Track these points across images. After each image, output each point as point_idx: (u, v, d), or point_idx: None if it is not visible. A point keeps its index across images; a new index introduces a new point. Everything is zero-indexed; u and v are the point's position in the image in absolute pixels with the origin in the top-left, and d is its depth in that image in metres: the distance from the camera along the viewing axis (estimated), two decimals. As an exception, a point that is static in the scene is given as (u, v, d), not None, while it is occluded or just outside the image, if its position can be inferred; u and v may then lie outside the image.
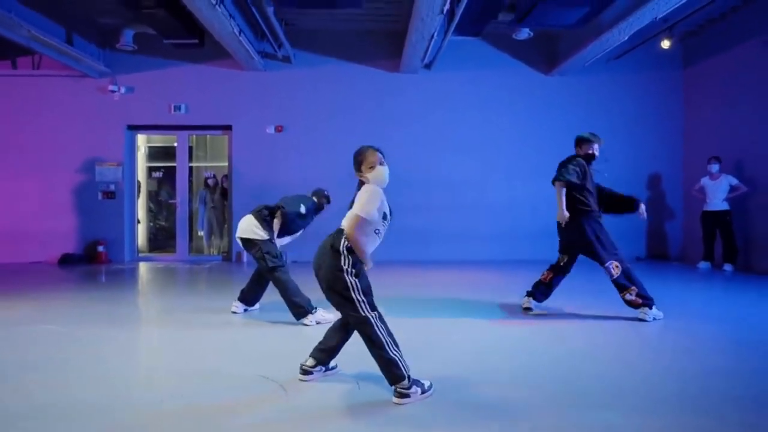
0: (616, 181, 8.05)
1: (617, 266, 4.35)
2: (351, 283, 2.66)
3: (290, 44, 8.27)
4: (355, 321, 2.71)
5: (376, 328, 2.66)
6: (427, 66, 8.61)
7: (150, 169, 10.60)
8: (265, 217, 4.46)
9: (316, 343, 3.01)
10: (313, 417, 2.50)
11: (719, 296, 5.91)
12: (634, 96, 8.97)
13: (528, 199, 8.71)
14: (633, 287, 4.35)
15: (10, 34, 6.67)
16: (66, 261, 8.41)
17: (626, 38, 7.07)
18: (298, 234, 4.78)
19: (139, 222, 9.39)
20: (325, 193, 4.75)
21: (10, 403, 2.65)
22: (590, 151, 4.58)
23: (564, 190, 4.46)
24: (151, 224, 10.72)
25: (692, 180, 8.29)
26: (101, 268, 8.00)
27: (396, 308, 4.54)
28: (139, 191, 9.44)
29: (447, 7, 6.01)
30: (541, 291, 4.76)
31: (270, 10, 6.88)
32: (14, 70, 8.47)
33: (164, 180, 10.74)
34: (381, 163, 2.80)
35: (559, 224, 4.61)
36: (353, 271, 2.69)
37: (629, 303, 4.40)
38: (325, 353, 2.96)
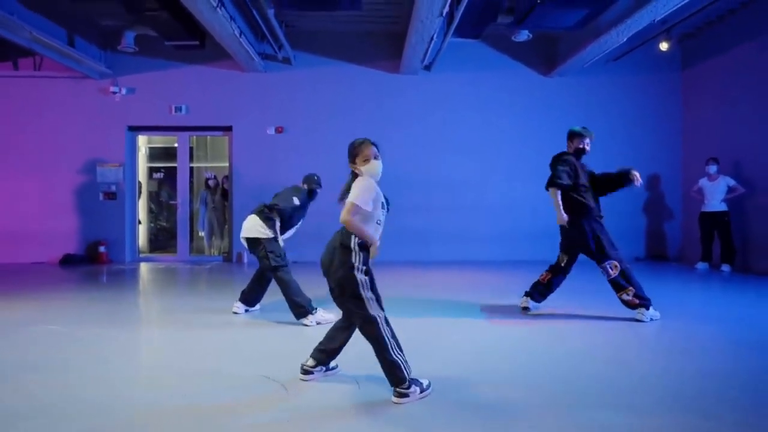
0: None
1: (615, 266, 4.38)
2: (361, 280, 2.70)
3: (290, 46, 8.30)
4: (362, 320, 2.72)
5: (381, 328, 2.69)
6: (427, 67, 8.65)
7: (151, 170, 10.64)
8: (268, 215, 4.49)
9: (316, 344, 3.05)
10: (314, 416, 2.53)
11: (717, 297, 5.94)
12: (632, 97, 9.01)
13: (527, 200, 8.75)
14: (630, 288, 4.38)
15: (11, 36, 6.70)
16: (67, 261, 8.44)
17: (625, 40, 7.10)
18: (299, 225, 4.80)
19: (140, 222, 9.43)
20: (316, 178, 4.77)
21: (11, 403, 2.66)
22: (581, 146, 4.60)
23: (559, 193, 4.50)
24: (152, 225, 10.76)
25: (691, 181, 8.33)
26: (102, 268, 8.03)
27: (396, 308, 4.55)
28: (140, 192, 9.47)
29: (446, 9, 6.04)
30: (539, 291, 4.79)
31: (270, 12, 6.91)
32: (16, 72, 8.50)
33: (165, 181, 10.77)
34: (375, 157, 2.83)
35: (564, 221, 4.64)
36: (364, 268, 2.73)
37: (626, 303, 4.43)
38: (326, 354, 2.99)
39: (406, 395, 2.65)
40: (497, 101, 8.95)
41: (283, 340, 3.94)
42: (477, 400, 2.71)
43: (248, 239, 4.51)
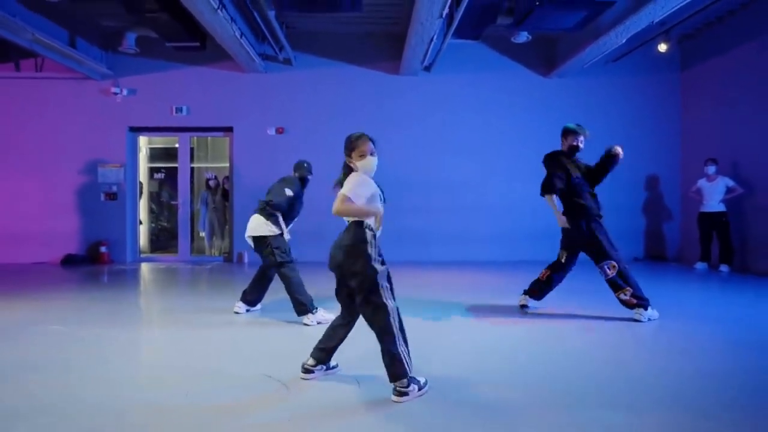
0: (614, 182, 8.20)
1: (613, 266, 4.40)
2: (378, 269, 2.73)
3: (291, 47, 8.33)
4: (374, 307, 2.73)
5: (391, 318, 2.72)
6: (427, 68, 8.68)
7: (151, 171, 10.67)
8: (270, 212, 4.51)
9: (317, 343, 3.08)
10: (315, 415, 2.56)
11: (716, 297, 5.97)
12: (632, 98, 9.04)
13: (527, 201, 8.74)
14: (628, 288, 4.40)
15: (13, 37, 6.73)
16: (69, 261, 8.47)
17: (624, 41, 7.13)
18: (299, 214, 4.80)
19: (141, 223, 9.46)
20: (306, 165, 4.77)
21: (12, 403, 2.67)
22: (575, 143, 4.60)
23: (555, 197, 4.54)
24: (153, 225, 10.79)
25: (690, 182, 8.36)
26: (104, 268, 8.06)
27: (396, 309, 4.59)
28: (140, 192, 9.51)
29: (446, 11, 6.07)
30: (538, 289, 4.82)
31: (271, 14, 6.95)
32: (17, 73, 8.53)
33: (166, 181, 10.80)
34: (372, 153, 2.86)
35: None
36: (380, 258, 2.78)
37: (624, 303, 4.46)
38: (325, 352, 3.02)
39: (405, 393, 2.68)
40: (497, 102, 8.98)
41: (284, 340, 3.97)
42: (476, 399, 2.74)
43: (254, 238, 4.52)
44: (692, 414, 2.56)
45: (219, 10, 6.02)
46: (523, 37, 7.57)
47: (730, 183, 7.50)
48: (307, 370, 3.01)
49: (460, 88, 8.94)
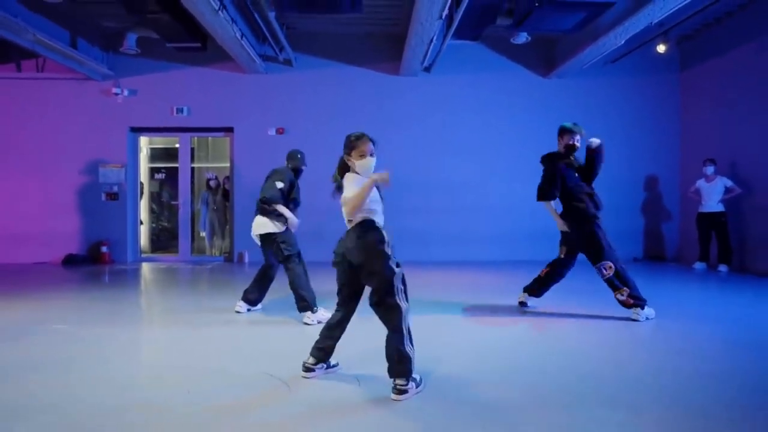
0: (614, 183, 8.25)
1: (610, 267, 4.43)
2: (394, 269, 2.78)
3: (291, 47, 8.36)
4: (387, 307, 2.78)
5: (403, 318, 2.78)
6: (427, 69, 8.70)
7: (152, 171, 10.69)
8: (270, 210, 4.52)
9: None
10: (316, 413, 2.58)
11: (714, 297, 5.99)
12: (631, 99, 9.06)
13: (527, 201, 8.73)
14: (625, 288, 4.43)
15: (15, 38, 6.76)
16: (70, 261, 8.50)
17: (623, 42, 7.15)
18: (300, 203, 4.77)
19: (141, 223, 9.49)
20: (299, 156, 4.74)
21: (13, 403, 2.68)
22: (571, 142, 4.62)
23: (552, 203, 4.59)
24: (154, 225, 10.82)
25: (689, 182, 8.38)
26: (104, 268, 8.09)
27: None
28: (141, 192, 9.53)
29: (446, 11, 6.10)
30: (537, 286, 4.85)
31: (271, 15, 6.98)
32: (19, 73, 8.56)
33: (166, 181, 10.83)
34: (371, 154, 2.90)
35: (562, 219, 4.69)
36: (396, 261, 2.83)
37: (621, 303, 4.49)
38: (324, 351, 3.05)
39: (405, 391, 2.71)
40: (496, 103, 9.01)
41: (284, 339, 3.99)
42: (476, 398, 2.76)
43: (261, 235, 4.54)
44: (691, 413, 2.57)
45: (220, 11, 6.05)
46: (522, 38, 7.59)
47: (729, 183, 7.53)
48: (307, 369, 3.03)
49: (459, 88, 8.97)
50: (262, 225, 4.51)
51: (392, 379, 2.75)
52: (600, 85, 9.02)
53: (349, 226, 2.93)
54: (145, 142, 9.85)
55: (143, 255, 9.40)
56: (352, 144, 2.90)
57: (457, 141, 8.97)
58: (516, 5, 6.45)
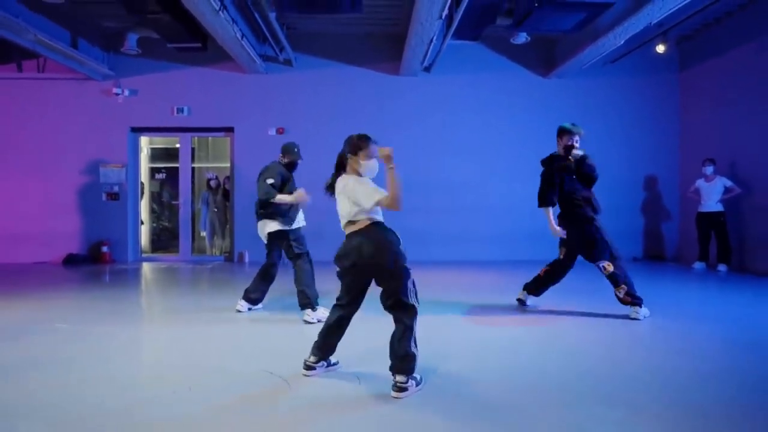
0: (613, 183, 8.26)
1: (608, 266, 4.46)
2: (408, 270, 2.84)
3: (291, 48, 8.38)
4: (402, 307, 2.83)
5: (415, 318, 2.84)
6: (427, 69, 8.72)
7: (153, 171, 10.71)
8: (269, 212, 4.53)
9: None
10: (316, 411, 2.60)
11: (714, 296, 6.00)
12: (630, 99, 9.08)
13: (527, 201, 8.73)
14: (623, 285, 4.46)
15: (16, 38, 6.77)
16: (70, 261, 8.51)
17: (622, 42, 7.17)
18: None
19: (142, 223, 9.50)
20: (296, 150, 4.70)
21: (13, 402, 2.69)
22: (570, 143, 4.62)
23: (551, 209, 4.62)
24: (154, 225, 10.83)
25: (688, 182, 8.39)
26: (105, 268, 8.10)
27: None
28: (142, 192, 9.55)
29: (446, 12, 6.11)
30: (536, 285, 4.86)
31: (272, 15, 6.99)
32: (19, 73, 8.58)
33: (167, 181, 10.84)
34: (376, 157, 2.96)
35: (560, 220, 4.71)
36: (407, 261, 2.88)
37: (619, 300, 4.52)
38: (323, 351, 3.07)
39: (405, 389, 2.73)
40: (496, 103, 9.02)
41: (285, 337, 4.01)
42: (475, 396, 2.78)
43: (271, 234, 4.54)
44: (690, 412, 2.58)
45: (220, 12, 6.06)
46: (522, 38, 7.61)
47: (728, 183, 7.54)
48: (308, 367, 3.05)
49: (459, 88, 8.99)
50: (268, 226, 4.53)
51: (393, 377, 2.76)
52: (600, 85, 9.03)
53: (348, 230, 2.92)
54: (145, 142, 9.86)
55: (144, 255, 9.41)
56: (360, 145, 2.94)
57: (457, 141, 8.98)
58: (516, 5, 6.46)
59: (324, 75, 8.88)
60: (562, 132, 4.67)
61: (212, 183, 9.86)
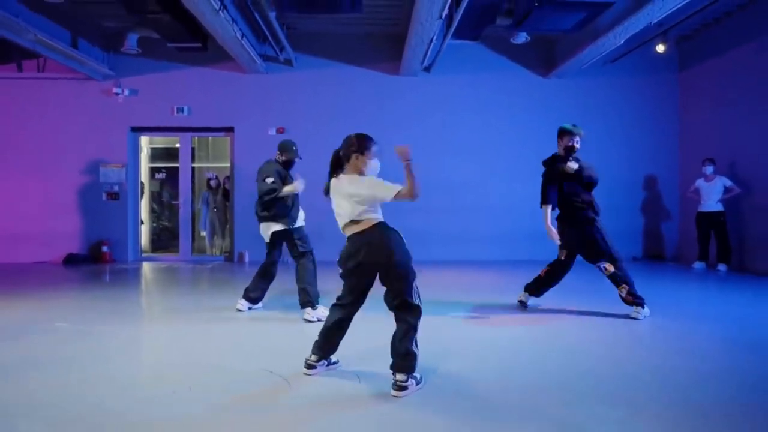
0: (613, 182, 8.26)
1: (609, 267, 4.46)
2: (414, 271, 2.89)
3: (292, 47, 8.38)
4: (408, 307, 2.85)
5: (419, 319, 2.86)
6: (427, 69, 8.72)
7: (153, 170, 10.71)
8: (272, 214, 4.54)
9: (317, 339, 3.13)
10: (316, 409, 2.60)
11: (714, 296, 6.01)
12: (630, 99, 9.08)
13: (527, 201, 8.75)
14: (624, 285, 4.46)
15: (16, 38, 6.77)
16: (70, 261, 8.51)
17: (622, 42, 7.17)
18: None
19: (142, 222, 9.50)
20: (294, 148, 4.70)
21: (13, 401, 2.69)
22: (570, 144, 4.60)
23: (549, 208, 4.60)
24: (154, 225, 10.83)
25: (688, 182, 8.40)
26: (105, 267, 8.10)
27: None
28: (142, 192, 9.55)
29: (446, 12, 6.11)
30: (537, 286, 4.86)
31: (272, 15, 6.99)
32: (20, 73, 8.58)
33: (167, 181, 10.84)
34: (378, 155, 3.04)
35: (559, 221, 4.71)
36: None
37: (623, 299, 4.53)
38: (323, 350, 3.07)
39: (405, 388, 2.73)
40: (496, 103, 9.03)
41: (285, 336, 4.01)
42: (475, 395, 2.78)
43: (275, 233, 4.55)
44: (690, 412, 2.58)
45: (220, 11, 6.06)
46: (522, 37, 7.61)
47: (728, 183, 7.54)
48: (309, 366, 3.05)
49: (459, 88, 8.99)
50: (273, 226, 4.53)
51: (393, 376, 2.77)
52: (599, 85, 9.03)
53: (351, 230, 2.90)
54: (145, 142, 9.86)
55: (144, 254, 9.41)
56: (367, 144, 2.98)
57: (457, 141, 8.98)
58: (515, 5, 6.46)
59: (324, 75, 8.89)
60: (563, 133, 4.66)
61: (212, 183, 9.86)
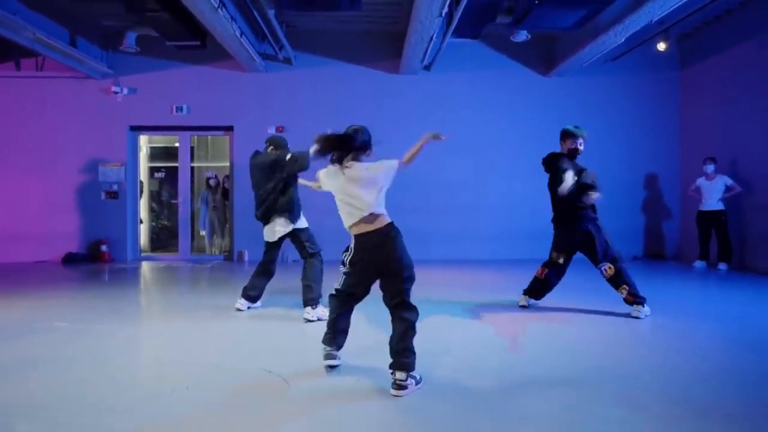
0: (613, 181, 8.24)
1: (610, 267, 4.45)
2: (413, 271, 2.90)
3: (291, 46, 8.35)
4: (408, 307, 2.86)
5: (418, 317, 2.87)
6: (427, 67, 8.70)
7: (152, 170, 10.69)
8: (285, 209, 4.54)
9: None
10: (315, 409, 2.58)
11: (714, 295, 6.00)
12: (631, 97, 9.05)
13: (527, 200, 8.78)
14: (625, 286, 4.45)
15: (14, 36, 6.74)
16: (70, 260, 8.50)
17: (623, 40, 7.15)
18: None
19: (141, 222, 9.49)
20: (281, 141, 4.73)
21: (13, 400, 2.68)
22: (574, 146, 4.57)
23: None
24: (154, 224, 10.81)
25: (689, 180, 8.38)
26: (104, 267, 8.08)
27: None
28: (141, 191, 9.53)
29: (445, 9, 6.09)
30: (537, 289, 4.84)
31: (271, 13, 6.96)
32: (18, 72, 8.54)
33: (166, 180, 10.83)
34: None
35: (557, 223, 4.69)
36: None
37: (624, 300, 4.51)
38: (336, 342, 3.06)
39: (405, 387, 2.71)
40: (496, 101, 9.00)
41: (284, 336, 3.99)
42: (475, 394, 2.76)
43: (283, 235, 4.56)
44: (691, 411, 2.57)
45: (219, 9, 6.04)
46: (522, 36, 7.58)
47: (729, 182, 7.52)
48: (332, 356, 3.05)
49: (459, 87, 8.96)
50: (280, 227, 4.52)
51: (392, 375, 2.75)
52: (600, 83, 9.01)
53: (363, 229, 2.85)
54: (144, 141, 9.84)
55: (143, 254, 9.39)
56: (371, 141, 3.04)
57: (457, 139, 8.92)
58: (516, 3, 6.44)
59: (323, 73, 8.86)
60: (566, 135, 4.62)
61: (211, 182, 9.84)
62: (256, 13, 7.08)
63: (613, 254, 4.47)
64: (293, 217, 4.54)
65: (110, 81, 8.75)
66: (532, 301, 4.90)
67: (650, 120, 9.07)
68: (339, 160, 2.93)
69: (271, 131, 8.83)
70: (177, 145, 9.32)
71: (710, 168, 7.64)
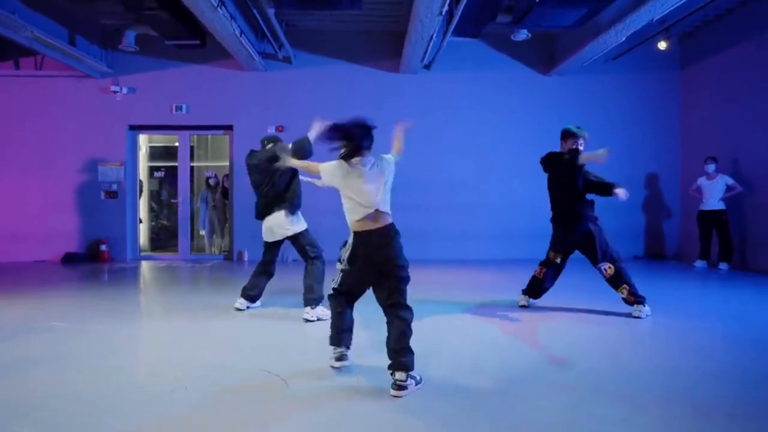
0: (614, 180, 8.16)
1: (609, 267, 4.43)
2: (408, 272, 2.90)
3: (291, 45, 8.34)
4: (403, 308, 2.86)
5: (413, 317, 2.88)
6: (427, 66, 8.68)
7: (151, 169, 10.68)
8: (290, 205, 4.53)
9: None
10: (315, 409, 2.57)
11: (715, 294, 5.98)
12: (631, 96, 9.04)
13: (526, 199, 8.77)
14: (625, 286, 4.43)
15: (13, 35, 6.73)
16: (69, 260, 8.49)
17: (623, 39, 7.14)
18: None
19: (141, 221, 9.47)
20: (279, 138, 4.72)
21: (12, 399, 2.67)
22: (574, 146, 4.51)
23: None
24: (153, 223, 10.80)
25: (689, 179, 8.36)
26: (104, 266, 8.07)
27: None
28: (141, 191, 9.52)
29: (446, 8, 6.08)
30: (535, 288, 4.83)
31: (271, 11, 6.95)
32: (17, 71, 8.53)
33: (165, 179, 10.82)
34: None
35: (556, 223, 4.67)
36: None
37: (624, 300, 4.49)
38: (344, 341, 3.09)
39: (404, 387, 2.70)
40: (496, 100, 8.99)
41: (284, 335, 3.97)
42: (474, 394, 2.75)
43: (286, 237, 4.56)
44: (693, 410, 2.56)
45: (219, 8, 6.03)
46: (522, 34, 7.56)
47: (730, 181, 7.50)
48: (342, 357, 3.07)
49: (459, 86, 8.95)
50: (283, 224, 4.50)
51: (392, 375, 2.74)
52: (601, 82, 8.99)
53: (367, 226, 2.85)
54: (144, 140, 9.83)
55: (142, 253, 9.38)
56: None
57: (456, 138, 8.95)
58: (516, 2, 6.43)
59: (323, 72, 8.84)
60: (567, 135, 4.57)
61: (211, 181, 9.83)
62: (255, 12, 7.06)
63: (613, 254, 4.46)
64: (292, 209, 4.52)
65: (109, 80, 8.73)
66: (532, 300, 4.88)
67: (651, 119, 9.06)
68: (349, 156, 2.92)
69: (271, 130, 8.81)
70: (176, 144, 9.30)
71: (711, 167, 7.63)
